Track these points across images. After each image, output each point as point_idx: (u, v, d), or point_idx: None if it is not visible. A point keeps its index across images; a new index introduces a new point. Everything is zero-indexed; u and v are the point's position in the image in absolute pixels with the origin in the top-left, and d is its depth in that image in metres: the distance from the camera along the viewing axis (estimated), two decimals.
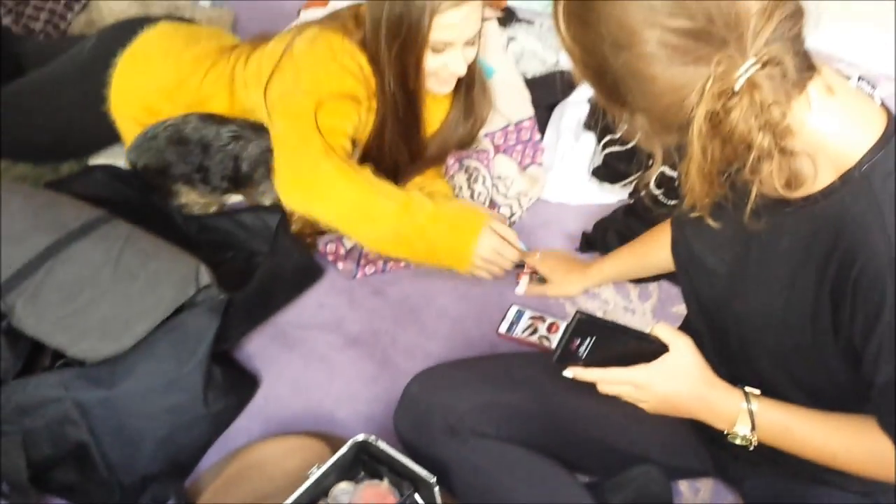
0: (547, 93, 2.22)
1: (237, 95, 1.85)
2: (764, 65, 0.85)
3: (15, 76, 2.07)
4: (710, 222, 0.98)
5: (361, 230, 1.71)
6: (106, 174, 1.88)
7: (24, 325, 1.44)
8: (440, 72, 1.73)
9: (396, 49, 1.68)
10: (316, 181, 1.67)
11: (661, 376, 1.10)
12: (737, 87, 0.85)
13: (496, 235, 1.72)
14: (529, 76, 2.30)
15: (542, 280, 1.81)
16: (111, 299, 1.47)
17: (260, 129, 1.83)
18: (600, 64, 0.92)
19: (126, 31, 1.97)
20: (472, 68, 1.81)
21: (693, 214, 0.98)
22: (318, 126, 1.67)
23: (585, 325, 1.08)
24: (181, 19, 2.16)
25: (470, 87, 1.89)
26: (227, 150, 1.83)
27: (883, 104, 0.97)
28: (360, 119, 1.75)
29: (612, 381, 1.12)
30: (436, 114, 1.91)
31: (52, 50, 2.21)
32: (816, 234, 0.96)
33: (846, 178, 0.93)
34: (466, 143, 1.99)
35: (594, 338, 1.09)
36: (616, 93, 0.94)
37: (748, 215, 0.93)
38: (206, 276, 1.53)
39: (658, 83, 0.89)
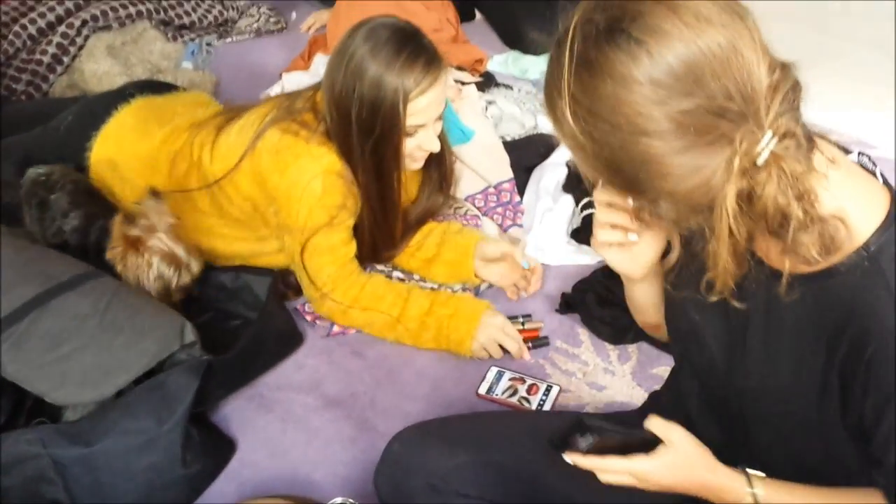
0: (526, 155, 2.25)
1: (204, 183, 1.85)
2: (781, 137, 0.86)
3: None
4: (735, 303, 0.96)
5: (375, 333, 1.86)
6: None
7: (6, 370, 1.45)
8: (415, 153, 1.75)
9: (371, 145, 1.68)
10: (330, 312, 1.84)
11: (662, 470, 1.07)
12: (760, 161, 0.86)
13: (494, 325, 1.78)
14: (509, 139, 2.33)
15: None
16: (95, 349, 1.47)
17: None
18: (616, 155, 0.90)
19: (101, 108, 1.98)
20: (441, 139, 1.83)
21: (717, 297, 0.95)
22: (322, 252, 1.75)
23: (586, 425, 1.08)
24: (161, 85, 2.17)
25: (441, 158, 1.90)
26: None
27: (885, 182, 0.97)
28: (352, 213, 1.78)
29: (612, 470, 1.10)
30: (409, 186, 1.92)
31: (27, 115, 2.24)
32: (825, 312, 0.95)
33: (855, 258, 0.92)
34: (442, 209, 2.01)
35: (595, 434, 1.09)
36: (636, 182, 0.91)
37: (784, 288, 0.92)
38: (190, 335, 1.53)
39: (681, 166, 0.87)
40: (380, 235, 1.86)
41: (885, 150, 2.33)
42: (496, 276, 1.92)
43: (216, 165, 1.81)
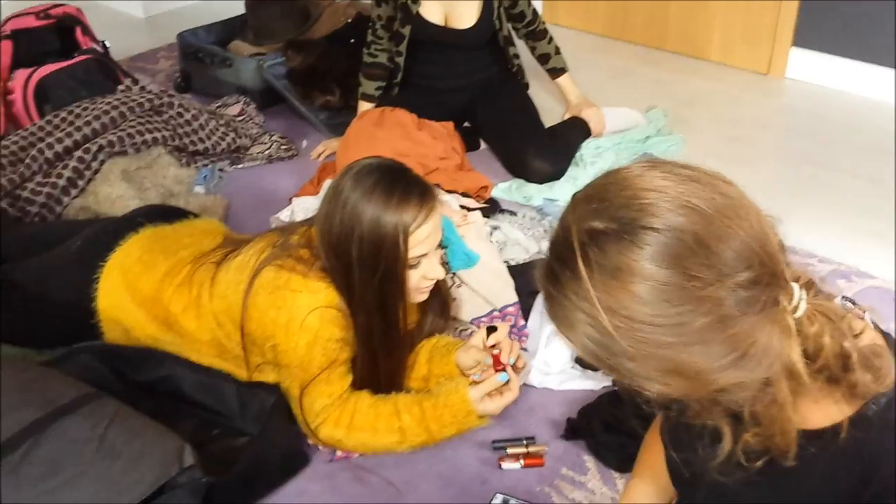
0: (530, 279, 2.27)
1: (203, 320, 1.87)
2: (803, 286, 0.88)
3: None
4: (788, 462, 0.94)
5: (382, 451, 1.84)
6: (91, 355, 1.87)
7: (4, 497, 1.41)
8: (420, 284, 1.77)
9: (376, 283, 1.70)
10: (327, 441, 1.82)
11: None
12: (800, 314, 0.87)
13: (483, 395, 1.78)
14: (513, 263, 2.36)
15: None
16: (93, 476, 1.45)
17: None
18: (669, 354, 0.87)
19: (109, 236, 2.00)
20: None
21: (788, 463, 0.94)
22: (320, 391, 1.76)
23: None
24: (171, 211, 2.19)
25: (438, 284, 1.92)
26: None
27: (876, 326, 0.98)
28: (351, 347, 1.79)
29: None
30: (409, 315, 1.92)
31: (37, 237, 2.26)
32: (841, 466, 0.95)
33: (862, 413, 0.92)
34: (442, 331, 2.01)
35: None
36: (692, 376, 0.88)
37: (843, 434, 0.90)
38: (189, 457, 1.51)
39: (736, 345, 0.85)
40: (384, 373, 1.84)
41: (885, 282, 2.36)
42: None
43: (215, 303, 1.83)
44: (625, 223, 0.85)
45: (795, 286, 0.87)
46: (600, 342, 0.88)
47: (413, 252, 1.69)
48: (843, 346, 0.89)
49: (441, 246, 2.21)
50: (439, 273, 1.78)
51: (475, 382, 1.80)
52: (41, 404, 1.54)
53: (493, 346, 1.82)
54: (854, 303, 0.99)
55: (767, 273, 0.85)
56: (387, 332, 1.78)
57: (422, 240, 1.70)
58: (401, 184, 1.68)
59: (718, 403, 0.91)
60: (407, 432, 1.79)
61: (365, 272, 1.69)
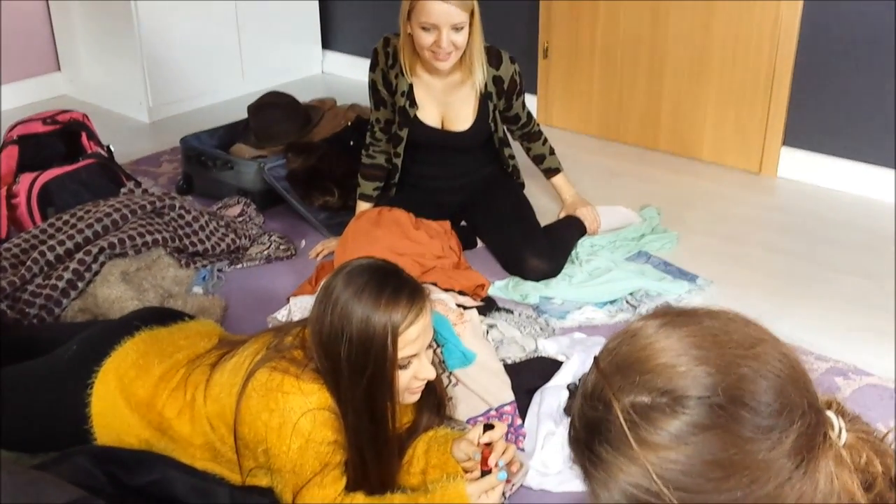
0: (527, 378, 2.27)
1: (197, 423, 1.86)
2: (836, 412, 0.86)
3: None
4: None
5: None
6: (86, 458, 1.85)
7: None
8: (411, 384, 1.77)
9: (364, 384, 1.69)
10: None
11: None
12: (843, 442, 0.85)
13: (481, 492, 1.75)
14: (510, 362, 2.36)
15: None
16: None
17: None
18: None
19: (105, 341, 2.00)
20: (434, 363, 1.85)
21: None
22: (313, 496, 1.73)
23: None
24: (167, 314, 2.19)
25: (434, 385, 1.92)
26: None
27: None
28: (344, 449, 1.78)
29: None
30: (404, 413, 1.92)
31: (36, 342, 2.25)
32: None
33: None
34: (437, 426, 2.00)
35: None
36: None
37: None
38: None
39: (805, 490, 0.83)
40: (374, 475, 1.81)
41: (882, 379, 2.35)
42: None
43: (209, 406, 1.83)
44: (672, 395, 0.82)
45: (832, 415, 0.85)
46: None
47: (403, 352, 1.69)
48: (890, 467, 0.87)
49: (437, 344, 2.21)
50: (430, 374, 1.77)
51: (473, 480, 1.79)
52: None
53: (487, 445, 1.81)
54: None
55: (814, 411, 0.83)
56: (376, 433, 1.76)
57: (412, 340, 1.70)
58: (391, 283, 1.70)
59: None
60: None
61: (354, 372, 1.69)
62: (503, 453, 1.81)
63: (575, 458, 0.89)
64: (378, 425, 1.75)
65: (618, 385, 0.84)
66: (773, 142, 3.58)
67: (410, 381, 1.76)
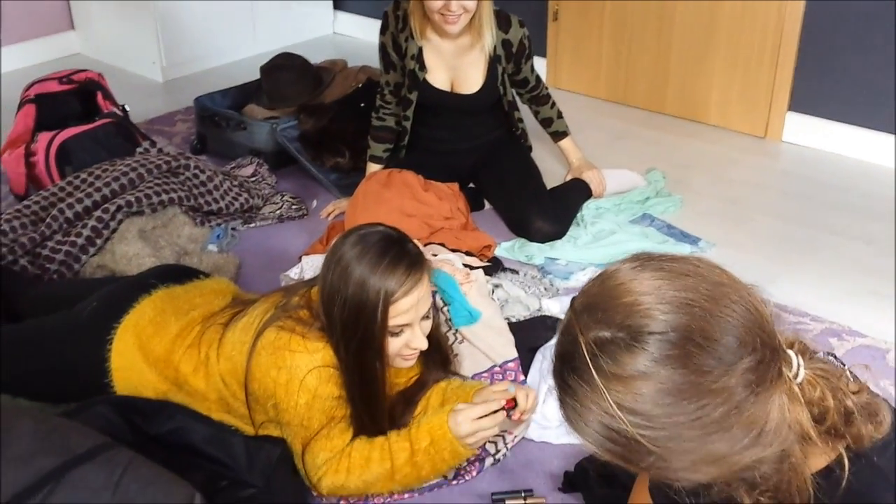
0: (530, 336, 2.34)
1: (211, 380, 1.93)
2: (798, 352, 0.93)
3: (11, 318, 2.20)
4: None
5: (376, 490, 1.87)
6: (107, 407, 1.94)
7: None
8: (402, 351, 1.82)
9: (355, 347, 1.75)
10: (329, 492, 1.85)
11: None
12: (800, 380, 0.91)
13: (462, 417, 1.77)
14: (514, 320, 2.43)
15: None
16: None
17: None
18: (692, 444, 0.91)
19: (123, 299, 2.06)
20: (435, 327, 1.90)
21: None
22: (321, 447, 1.81)
23: None
24: (183, 271, 2.27)
25: (440, 341, 1.98)
26: None
27: (856, 378, 1.02)
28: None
29: None
30: (412, 369, 1.98)
31: (56, 296, 2.35)
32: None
33: (851, 460, 0.96)
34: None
35: None
36: (723, 458, 0.92)
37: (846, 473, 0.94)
38: None
39: (752, 424, 0.90)
40: (365, 425, 1.88)
41: (876, 340, 2.42)
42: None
43: (222, 364, 1.90)
44: (631, 330, 0.90)
45: (792, 354, 0.92)
46: (624, 444, 0.92)
47: (394, 321, 1.74)
48: (846, 405, 0.94)
49: (444, 303, 2.29)
50: (422, 344, 1.82)
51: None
52: (59, 453, 1.59)
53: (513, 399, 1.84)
54: (836, 357, 1.04)
55: (769, 349, 0.90)
56: (366, 393, 1.82)
57: (404, 310, 1.75)
58: (392, 252, 1.74)
59: (742, 480, 0.95)
60: (395, 457, 1.80)
61: (346, 333, 1.75)
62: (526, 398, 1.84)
63: (555, 390, 0.97)
64: (368, 386, 1.82)
65: (584, 321, 0.92)
66: (778, 106, 3.61)
67: (402, 348, 1.81)
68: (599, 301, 0.94)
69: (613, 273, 0.96)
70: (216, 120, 3.48)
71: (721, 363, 0.88)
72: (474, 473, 1.99)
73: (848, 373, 1.02)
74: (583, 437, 0.95)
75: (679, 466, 0.92)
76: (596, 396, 0.90)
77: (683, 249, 2.82)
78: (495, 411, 1.78)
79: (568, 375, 0.93)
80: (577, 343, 0.91)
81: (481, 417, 1.78)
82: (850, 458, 0.96)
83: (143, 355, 1.98)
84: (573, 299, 0.98)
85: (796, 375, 0.92)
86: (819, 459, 0.99)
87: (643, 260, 0.96)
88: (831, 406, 0.93)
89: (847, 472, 0.95)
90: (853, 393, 0.96)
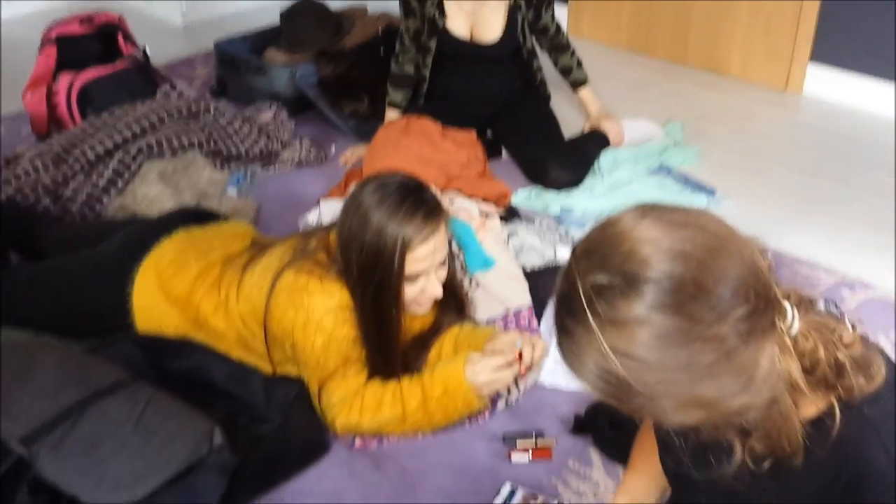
0: (544, 284, 2.37)
1: (231, 320, 1.97)
2: (794, 304, 0.95)
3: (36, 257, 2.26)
4: (795, 463, 1.01)
5: (389, 432, 1.92)
6: (129, 344, 1.99)
7: (44, 472, 1.53)
8: (418, 298, 1.85)
9: (372, 292, 1.78)
10: (343, 430, 1.89)
11: None
12: (794, 332, 0.93)
13: (480, 368, 1.81)
14: (529, 268, 2.46)
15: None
16: (129, 453, 1.56)
17: None
18: (686, 389, 0.93)
19: (144, 240, 2.10)
20: (450, 274, 1.93)
21: (796, 464, 1.00)
22: (337, 386, 1.85)
23: None
24: (203, 214, 2.31)
25: (456, 286, 2.01)
26: None
27: (854, 327, 1.03)
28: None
29: None
30: (426, 316, 2.01)
31: (79, 236, 2.39)
32: (818, 465, 1.01)
33: (841, 411, 0.98)
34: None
35: None
36: (711, 403, 0.94)
37: (837, 422, 0.97)
38: (219, 438, 1.62)
39: (742, 369, 0.92)
40: (379, 367, 1.92)
41: (888, 293, 2.44)
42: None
43: (241, 305, 1.94)
44: (627, 277, 0.91)
45: (788, 306, 0.94)
46: (616, 385, 0.94)
47: (411, 268, 1.77)
48: (838, 358, 0.96)
49: (459, 248, 2.31)
50: (437, 292, 1.85)
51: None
52: (83, 386, 1.65)
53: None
54: (836, 305, 1.06)
55: (763, 300, 0.92)
56: (381, 337, 1.86)
57: (421, 258, 1.77)
58: (411, 199, 1.76)
59: (731, 424, 0.99)
60: (406, 402, 1.84)
61: (363, 278, 1.78)
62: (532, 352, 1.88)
63: (555, 333, 1.00)
64: (383, 330, 1.85)
65: (584, 266, 0.95)
66: (800, 58, 3.58)
67: (418, 294, 1.84)
68: (599, 247, 0.96)
69: (615, 221, 0.98)
70: (236, 64, 3.49)
71: (714, 312, 0.90)
72: (486, 416, 2.03)
73: (847, 322, 1.03)
74: (578, 377, 0.98)
75: (668, 408, 0.95)
76: (591, 339, 0.93)
77: (699, 200, 2.82)
78: (510, 363, 1.82)
79: (566, 318, 0.96)
80: (576, 287, 0.94)
81: (497, 368, 1.82)
82: (841, 409, 0.99)
83: (164, 295, 2.02)
84: (574, 245, 1.00)
85: (790, 327, 0.94)
86: (810, 409, 1.01)
87: (645, 209, 0.98)
88: (822, 358, 0.95)
89: (837, 423, 0.98)
90: (846, 346, 0.98)
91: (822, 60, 3.54)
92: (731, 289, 0.91)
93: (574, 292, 0.94)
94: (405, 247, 1.74)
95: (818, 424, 1.00)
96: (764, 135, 3.33)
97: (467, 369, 1.82)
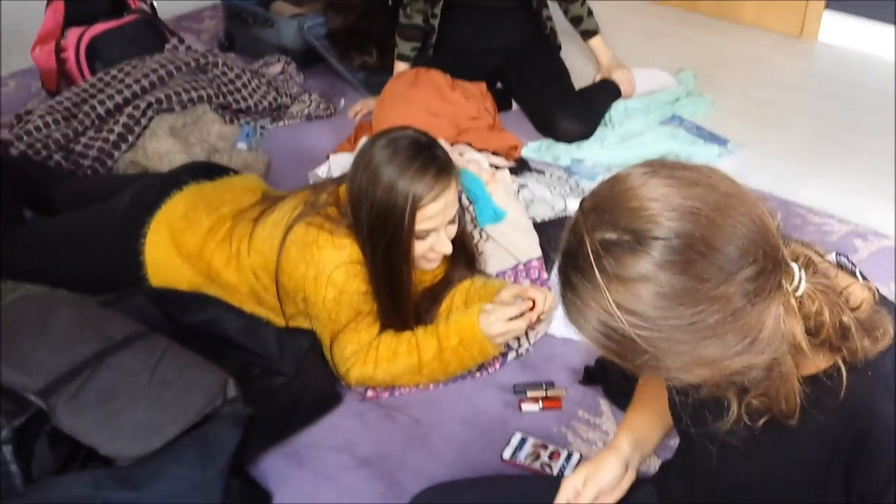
0: (555, 235, 2.37)
1: (243, 273, 1.98)
2: (803, 265, 0.94)
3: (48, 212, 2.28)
4: (791, 422, 1.01)
5: (403, 383, 1.95)
6: (144, 297, 2.01)
7: (62, 423, 1.56)
8: (427, 254, 1.86)
9: (382, 247, 1.79)
10: (358, 382, 1.93)
11: None
12: (800, 293, 0.93)
13: (497, 327, 1.83)
14: (539, 220, 2.46)
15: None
16: (145, 404, 1.58)
17: None
18: (690, 348, 0.93)
19: (155, 194, 2.11)
20: (461, 228, 1.93)
21: (792, 423, 1.01)
22: (349, 339, 1.87)
23: None
24: (214, 168, 2.30)
25: (466, 240, 2.01)
26: None
27: (864, 279, 1.03)
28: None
29: None
30: (437, 268, 2.01)
31: (91, 191, 2.39)
32: (834, 411, 1.00)
33: (851, 366, 0.98)
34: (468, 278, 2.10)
35: None
36: (714, 362, 0.94)
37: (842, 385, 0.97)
38: (233, 390, 1.64)
39: (746, 328, 0.92)
40: (392, 320, 1.94)
41: (886, 240, 2.43)
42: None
43: (253, 258, 1.95)
44: (636, 234, 0.91)
45: (796, 267, 0.93)
46: (619, 342, 0.94)
47: (421, 225, 1.78)
48: (843, 320, 0.95)
49: (469, 201, 2.31)
50: (446, 249, 1.85)
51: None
52: (99, 339, 1.67)
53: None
54: (850, 260, 1.05)
55: (770, 261, 0.91)
56: (392, 292, 1.87)
57: (431, 215, 1.77)
58: (422, 156, 1.75)
59: (732, 383, 0.99)
60: (422, 352, 1.87)
61: (373, 233, 1.79)
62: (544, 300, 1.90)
63: (559, 287, 1.00)
64: (394, 285, 1.87)
65: (592, 221, 0.94)
66: (815, 4, 3.53)
67: (427, 251, 1.85)
68: (608, 203, 0.95)
69: (624, 177, 0.97)
70: (243, 17, 3.47)
71: (721, 272, 0.90)
72: (497, 366, 2.05)
73: (860, 278, 1.03)
74: (581, 332, 0.98)
75: (671, 366, 0.95)
76: (597, 295, 0.92)
77: (712, 151, 2.80)
78: (523, 312, 1.83)
79: (572, 273, 0.95)
80: (583, 242, 0.93)
81: (511, 318, 1.83)
82: (847, 369, 0.98)
83: (177, 249, 2.03)
84: (583, 199, 1.00)
85: (797, 289, 0.94)
86: (810, 369, 1.01)
87: (655, 166, 0.97)
88: (827, 321, 0.95)
89: (844, 382, 0.98)
90: (853, 309, 0.98)
91: (837, 7, 3.49)
92: (739, 248, 0.90)
93: (581, 248, 0.93)
94: (415, 204, 1.74)
95: (818, 383, 1.00)
96: (778, 84, 3.30)
97: (482, 319, 1.83)
